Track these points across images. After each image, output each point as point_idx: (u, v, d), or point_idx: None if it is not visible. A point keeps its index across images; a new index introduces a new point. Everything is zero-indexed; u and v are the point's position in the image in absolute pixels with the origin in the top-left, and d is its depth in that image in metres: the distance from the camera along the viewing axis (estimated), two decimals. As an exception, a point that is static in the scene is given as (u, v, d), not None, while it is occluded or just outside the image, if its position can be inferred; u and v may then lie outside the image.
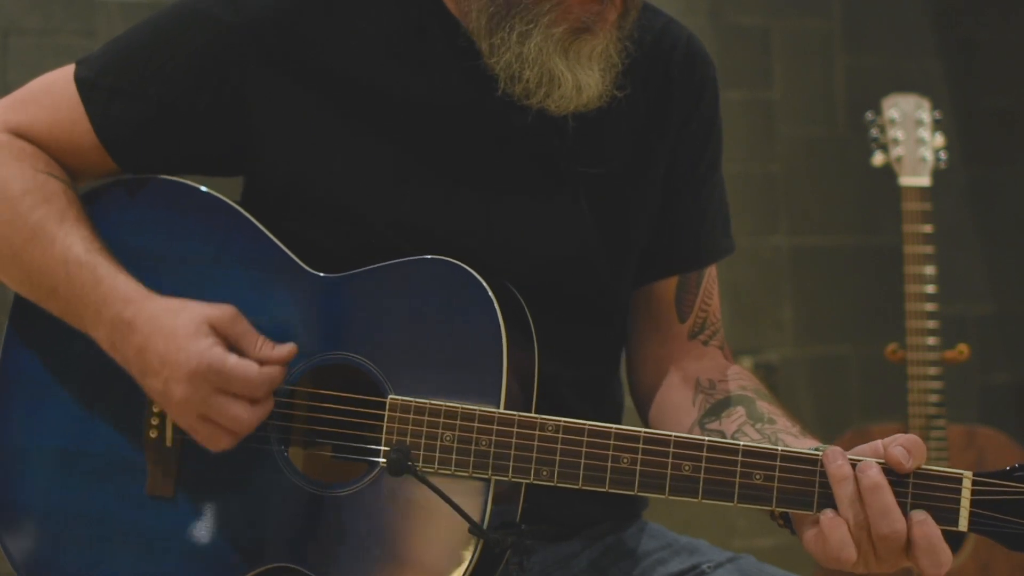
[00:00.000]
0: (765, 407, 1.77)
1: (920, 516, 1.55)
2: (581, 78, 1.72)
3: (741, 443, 1.61)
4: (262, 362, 1.68)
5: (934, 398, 3.18)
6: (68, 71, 1.84)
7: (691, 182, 1.89)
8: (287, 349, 1.69)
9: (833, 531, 1.57)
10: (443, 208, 1.77)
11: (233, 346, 1.69)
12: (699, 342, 1.90)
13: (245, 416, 1.66)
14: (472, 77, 1.78)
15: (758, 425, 1.74)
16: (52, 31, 3.39)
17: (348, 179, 1.77)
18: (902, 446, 1.56)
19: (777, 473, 1.59)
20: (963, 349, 3.20)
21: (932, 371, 3.19)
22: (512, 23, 1.71)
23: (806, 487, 1.59)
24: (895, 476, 1.56)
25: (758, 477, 1.60)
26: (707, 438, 1.62)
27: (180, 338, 1.67)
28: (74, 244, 1.74)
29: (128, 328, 1.70)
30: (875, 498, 1.55)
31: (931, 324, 3.20)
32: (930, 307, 3.20)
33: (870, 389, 4.02)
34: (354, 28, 1.79)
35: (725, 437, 1.68)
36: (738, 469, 1.60)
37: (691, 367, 1.88)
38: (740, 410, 1.78)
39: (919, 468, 1.56)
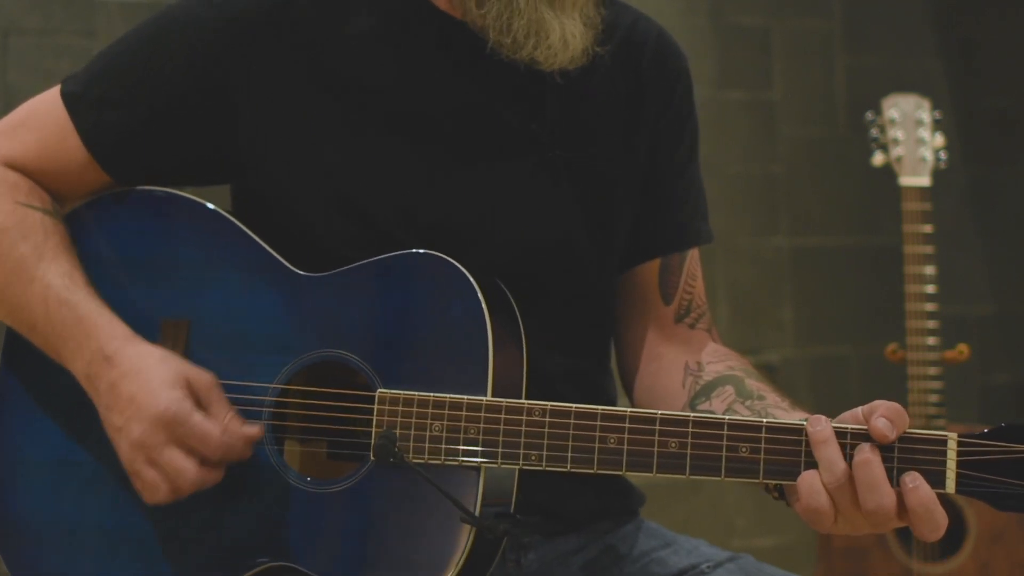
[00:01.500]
0: (754, 384, 1.78)
1: (912, 482, 1.54)
2: (567, 27, 1.75)
3: (726, 417, 1.62)
4: (225, 433, 1.68)
5: (934, 398, 3.18)
6: (54, 92, 1.84)
7: (669, 171, 1.91)
8: (253, 430, 1.70)
9: (803, 481, 1.57)
10: (432, 197, 1.78)
11: (203, 409, 1.69)
12: (685, 325, 1.90)
13: (191, 473, 1.67)
14: (454, 67, 1.79)
15: (748, 402, 1.75)
16: (52, 31, 3.40)
17: (337, 170, 1.78)
18: (884, 417, 1.56)
19: (763, 445, 1.60)
20: (963, 349, 3.20)
21: (932, 371, 3.18)
22: None
23: (792, 457, 1.59)
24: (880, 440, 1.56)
25: (744, 450, 1.60)
26: (692, 414, 1.62)
27: (154, 382, 1.68)
28: (53, 282, 1.75)
29: (107, 363, 1.71)
30: (864, 472, 1.55)
31: (931, 324, 3.19)
32: (930, 307, 3.20)
33: (870, 389, 3.99)
34: (340, 22, 1.80)
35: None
36: (724, 443, 1.60)
37: (679, 352, 1.88)
38: (729, 388, 1.79)
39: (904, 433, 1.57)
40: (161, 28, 1.82)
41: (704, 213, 1.95)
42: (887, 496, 1.55)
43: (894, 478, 1.55)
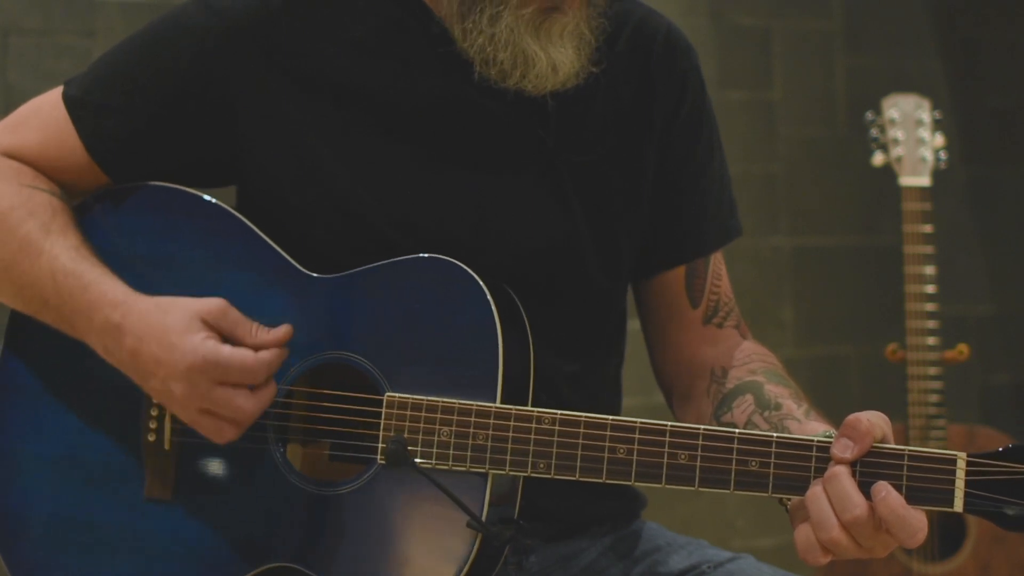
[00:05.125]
0: (772, 391, 1.78)
1: (880, 492, 1.55)
2: (555, 56, 1.74)
3: (736, 431, 1.62)
4: (258, 347, 1.68)
5: (934, 398, 3.18)
6: (56, 92, 1.85)
7: (687, 173, 1.90)
8: (283, 330, 1.70)
9: (797, 532, 1.59)
10: (433, 203, 1.78)
11: (227, 337, 1.69)
12: (714, 326, 1.91)
13: (248, 405, 1.67)
14: (454, 72, 1.79)
15: (765, 413, 1.75)
16: (52, 31, 3.39)
17: (337, 178, 1.78)
18: (844, 436, 1.58)
19: (773, 460, 1.60)
20: (963, 349, 3.20)
21: (932, 371, 3.19)
22: (482, 5, 1.73)
23: (801, 472, 1.60)
24: (889, 459, 1.57)
25: (754, 464, 1.61)
26: (702, 427, 1.62)
27: (172, 335, 1.67)
28: (60, 254, 1.75)
29: (118, 331, 1.71)
30: (832, 488, 1.56)
31: (931, 324, 3.20)
32: (930, 307, 3.20)
33: (870, 389, 4.02)
34: (337, 28, 1.80)
35: (737, 428, 1.69)
36: (734, 457, 1.61)
37: (707, 354, 1.89)
38: (749, 398, 1.79)
39: (896, 449, 1.57)
40: (162, 33, 1.82)
41: (730, 207, 1.95)
42: (858, 507, 1.55)
43: (902, 495, 1.56)
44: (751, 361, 1.85)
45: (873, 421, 1.58)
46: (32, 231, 1.77)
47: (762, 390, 1.79)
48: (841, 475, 1.56)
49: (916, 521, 1.55)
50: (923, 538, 1.56)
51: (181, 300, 1.71)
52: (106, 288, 1.73)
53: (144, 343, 1.69)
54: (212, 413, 1.67)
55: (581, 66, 1.76)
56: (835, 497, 1.55)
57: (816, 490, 1.57)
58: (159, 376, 1.68)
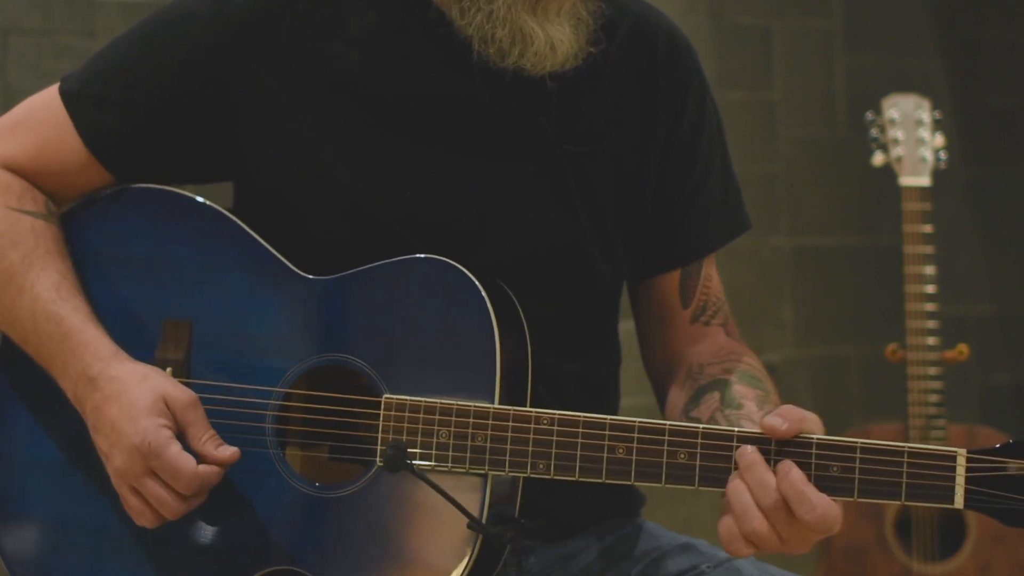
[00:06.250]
0: (739, 392, 1.79)
1: (784, 469, 1.57)
2: (552, 34, 1.74)
3: (736, 429, 1.62)
4: (202, 456, 1.68)
5: (934, 398, 3.19)
6: (53, 89, 1.84)
7: (690, 175, 1.89)
8: (229, 453, 1.69)
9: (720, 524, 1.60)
10: (434, 199, 1.78)
11: (181, 431, 1.69)
12: (700, 324, 1.91)
13: (172, 504, 1.67)
14: (453, 61, 1.79)
15: (727, 411, 1.76)
16: (52, 31, 3.39)
17: (338, 175, 1.78)
18: (777, 415, 1.59)
19: (772, 457, 1.60)
20: (963, 349, 3.20)
21: (932, 371, 3.19)
22: None
23: (802, 471, 1.59)
24: (893, 456, 1.57)
25: None
26: (701, 425, 1.63)
27: (134, 408, 1.68)
28: (41, 293, 1.74)
29: (91, 385, 1.71)
30: (751, 476, 1.58)
31: (931, 324, 3.20)
32: (930, 307, 3.21)
33: (870, 389, 4.02)
34: (336, 25, 1.79)
35: (702, 423, 1.70)
36: (733, 455, 1.61)
37: (690, 351, 1.89)
38: (715, 395, 1.79)
39: (895, 446, 1.58)
40: (161, 26, 1.82)
41: (736, 205, 1.95)
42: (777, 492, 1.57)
43: (902, 492, 1.56)
44: (727, 360, 1.86)
45: (808, 415, 1.59)
46: (14, 263, 1.76)
47: (729, 389, 1.79)
48: (757, 463, 1.57)
49: (817, 499, 1.56)
50: (832, 525, 1.56)
51: (155, 374, 1.71)
52: (87, 339, 1.72)
53: (109, 404, 1.69)
54: (138, 495, 1.68)
55: (580, 47, 1.76)
56: (754, 485, 1.57)
57: (736, 483, 1.58)
58: (109, 440, 1.69)
